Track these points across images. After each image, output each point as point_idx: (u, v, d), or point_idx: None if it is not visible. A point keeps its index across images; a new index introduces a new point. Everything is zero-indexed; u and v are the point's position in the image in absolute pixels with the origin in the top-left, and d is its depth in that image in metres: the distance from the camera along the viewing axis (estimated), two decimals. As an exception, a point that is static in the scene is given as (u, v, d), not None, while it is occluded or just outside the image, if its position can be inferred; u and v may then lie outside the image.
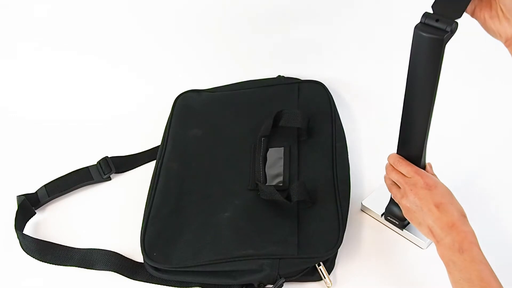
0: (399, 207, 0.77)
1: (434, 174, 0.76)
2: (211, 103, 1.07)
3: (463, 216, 0.69)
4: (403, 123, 0.73)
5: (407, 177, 0.74)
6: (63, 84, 1.19)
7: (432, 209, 0.69)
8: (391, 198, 0.82)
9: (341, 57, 1.19)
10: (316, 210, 0.84)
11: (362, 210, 0.89)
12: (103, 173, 0.99)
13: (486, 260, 0.64)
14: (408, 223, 0.82)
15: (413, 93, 0.68)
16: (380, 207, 0.86)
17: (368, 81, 1.16)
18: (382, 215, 0.85)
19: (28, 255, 0.85)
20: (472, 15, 0.68)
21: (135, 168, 1.02)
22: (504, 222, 0.85)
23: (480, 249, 0.65)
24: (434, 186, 0.71)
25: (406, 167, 0.75)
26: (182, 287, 0.81)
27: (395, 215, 0.82)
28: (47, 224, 0.93)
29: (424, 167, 0.76)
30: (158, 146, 1.01)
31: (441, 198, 0.70)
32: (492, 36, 0.69)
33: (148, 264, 0.81)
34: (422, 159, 0.75)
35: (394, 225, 0.84)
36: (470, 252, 0.64)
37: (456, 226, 0.67)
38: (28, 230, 0.90)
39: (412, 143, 0.74)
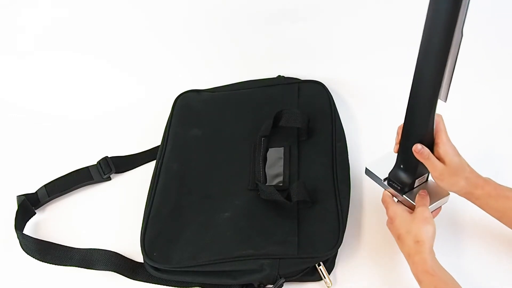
0: (404, 171, 0.79)
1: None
2: (211, 103, 1.07)
3: (416, 242, 0.72)
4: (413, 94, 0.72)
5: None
6: (63, 84, 1.19)
7: (397, 241, 0.76)
8: (396, 162, 0.81)
9: (341, 57, 1.19)
10: (316, 210, 0.84)
11: (366, 174, 0.87)
12: (103, 173, 0.99)
13: (444, 283, 0.67)
14: (408, 190, 0.81)
15: (427, 60, 0.66)
16: (383, 173, 0.84)
17: (368, 81, 1.16)
18: (384, 180, 0.84)
19: (28, 255, 0.85)
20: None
21: (135, 168, 1.02)
22: None
23: (433, 275, 0.68)
24: (394, 218, 0.77)
25: (384, 202, 0.81)
26: (182, 287, 0.81)
27: (399, 180, 0.81)
28: (47, 224, 0.93)
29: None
30: (158, 146, 1.01)
31: (399, 229, 0.75)
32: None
33: (148, 264, 0.81)
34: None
35: (396, 190, 0.82)
36: (425, 281, 0.69)
37: (411, 257, 0.72)
38: (28, 230, 0.90)
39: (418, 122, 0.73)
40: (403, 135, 0.77)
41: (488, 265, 0.80)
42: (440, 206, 0.81)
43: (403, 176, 0.80)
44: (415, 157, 0.74)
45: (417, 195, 0.79)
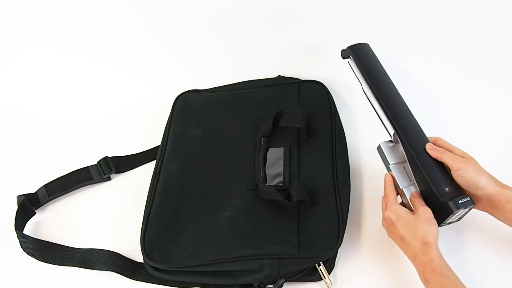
0: None
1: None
2: (211, 103, 1.07)
3: (424, 243, 0.71)
4: None
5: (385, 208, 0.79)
6: (64, 84, 1.19)
7: (400, 243, 0.75)
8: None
9: (341, 57, 1.19)
10: (316, 210, 0.84)
11: (377, 150, 0.86)
12: (103, 173, 0.99)
13: (451, 282, 0.67)
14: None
15: None
16: (393, 158, 0.83)
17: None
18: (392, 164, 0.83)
19: (28, 255, 0.85)
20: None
21: (135, 168, 1.02)
22: None
23: (441, 274, 0.68)
24: (397, 220, 0.75)
25: (385, 196, 0.80)
26: (182, 287, 0.81)
27: None
28: (47, 224, 0.93)
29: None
30: (158, 146, 1.01)
31: (403, 231, 0.74)
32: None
33: (148, 264, 0.81)
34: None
35: None
36: (433, 280, 0.69)
37: (418, 258, 0.71)
38: (28, 230, 0.90)
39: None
40: None
41: (491, 266, 0.79)
42: None
43: None
44: None
45: (411, 196, 0.78)
